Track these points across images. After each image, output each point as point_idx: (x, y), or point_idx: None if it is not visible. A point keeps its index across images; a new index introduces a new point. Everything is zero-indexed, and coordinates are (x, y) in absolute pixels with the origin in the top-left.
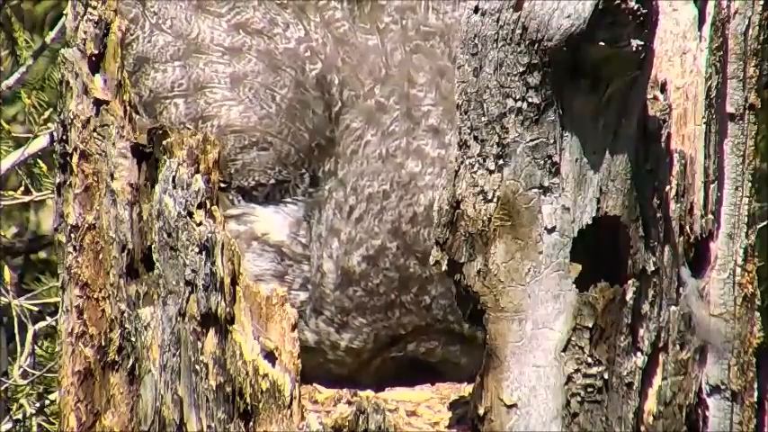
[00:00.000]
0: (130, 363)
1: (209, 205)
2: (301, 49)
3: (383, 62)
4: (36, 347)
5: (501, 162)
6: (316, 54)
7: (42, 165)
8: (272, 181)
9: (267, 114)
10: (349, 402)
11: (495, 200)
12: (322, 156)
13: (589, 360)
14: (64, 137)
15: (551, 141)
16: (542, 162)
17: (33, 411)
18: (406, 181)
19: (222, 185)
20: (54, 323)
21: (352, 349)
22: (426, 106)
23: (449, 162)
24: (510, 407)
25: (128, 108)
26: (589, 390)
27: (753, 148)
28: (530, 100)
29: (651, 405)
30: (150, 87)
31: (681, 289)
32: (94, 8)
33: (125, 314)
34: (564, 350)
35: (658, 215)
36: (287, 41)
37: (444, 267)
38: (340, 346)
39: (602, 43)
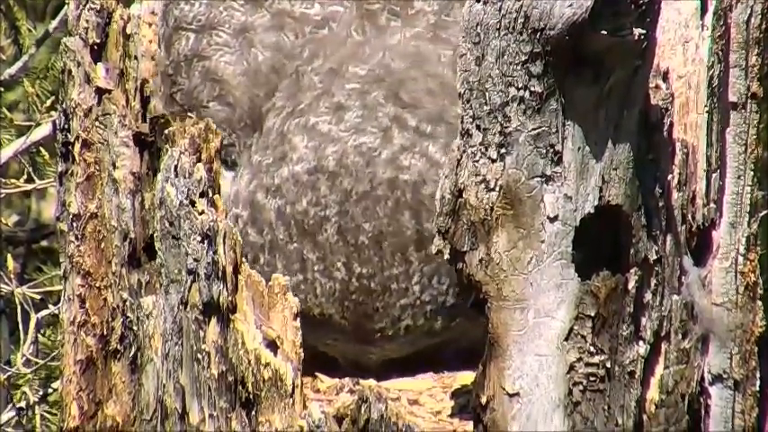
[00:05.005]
0: (132, 352)
1: (210, 194)
2: (313, 15)
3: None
4: (39, 336)
5: (503, 151)
6: (328, 20)
7: (45, 153)
8: (225, 141)
9: (244, 72)
10: (351, 391)
11: (497, 189)
12: (258, 125)
13: (591, 349)
14: (66, 126)
15: (553, 130)
16: (544, 151)
17: (36, 400)
18: (282, 155)
19: None
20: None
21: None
22: (352, 84)
23: (339, 133)
24: (512, 396)
25: (130, 97)
26: (591, 378)
27: (755, 136)
28: (532, 89)
29: (653, 394)
30: (176, 16)
31: (683, 278)
32: None
33: (127, 303)
34: (566, 339)
35: (660, 204)
36: (308, 6)
37: (447, 256)
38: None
39: (604, 32)
